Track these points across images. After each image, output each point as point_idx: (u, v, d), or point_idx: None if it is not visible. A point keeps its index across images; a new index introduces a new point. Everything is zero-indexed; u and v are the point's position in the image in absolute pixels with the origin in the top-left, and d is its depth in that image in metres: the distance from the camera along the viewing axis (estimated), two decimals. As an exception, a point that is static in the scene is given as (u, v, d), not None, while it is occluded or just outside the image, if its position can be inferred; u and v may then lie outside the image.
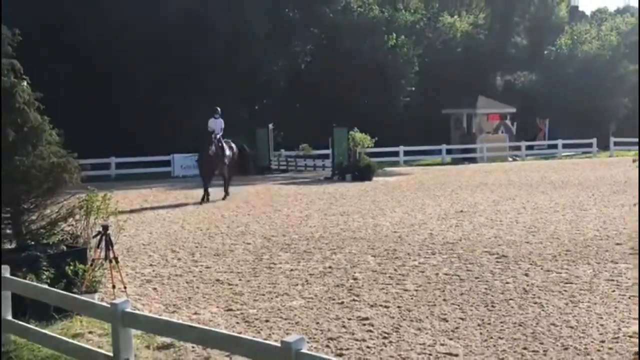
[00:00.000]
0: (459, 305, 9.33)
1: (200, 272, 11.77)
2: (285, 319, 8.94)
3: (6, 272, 7.79)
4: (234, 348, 5.84)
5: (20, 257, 9.13)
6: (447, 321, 8.66)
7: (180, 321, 7.59)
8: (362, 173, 28.53)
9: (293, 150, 35.01)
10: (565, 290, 9.94)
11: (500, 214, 17.68)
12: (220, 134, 22.63)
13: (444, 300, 9.64)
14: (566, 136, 43.12)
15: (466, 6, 51.30)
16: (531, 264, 11.68)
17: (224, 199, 22.19)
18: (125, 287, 10.07)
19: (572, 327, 8.30)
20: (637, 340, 7.65)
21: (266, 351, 5.17)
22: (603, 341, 7.81)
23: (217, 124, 22.65)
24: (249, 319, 9.00)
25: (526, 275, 10.94)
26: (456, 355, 7.50)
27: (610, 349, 7.57)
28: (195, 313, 9.33)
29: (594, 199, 20.33)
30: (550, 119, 45.56)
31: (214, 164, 21.95)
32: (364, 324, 8.60)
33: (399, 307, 9.33)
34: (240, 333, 8.12)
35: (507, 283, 10.46)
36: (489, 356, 7.46)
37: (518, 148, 42.03)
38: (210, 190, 21.87)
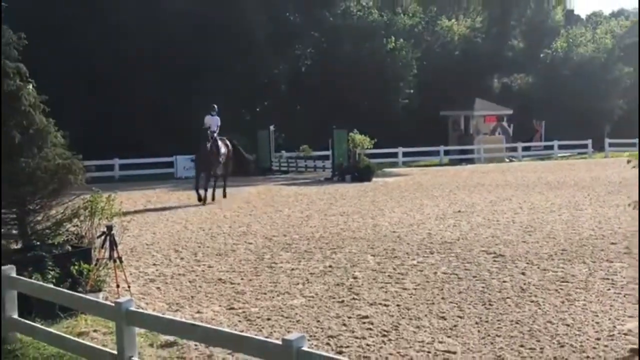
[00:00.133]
0: (457, 304, 9.42)
1: (203, 271, 11.86)
2: (287, 318, 9.02)
3: (12, 271, 7.88)
4: (236, 346, 5.90)
5: (26, 257, 9.19)
6: (445, 319, 8.74)
7: (183, 320, 7.73)
8: (362, 174, 28.63)
9: (294, 152, 35.09)
10: (561, 289, 10.02)
11: (498, 214, 17.79)
12: (217, 131, 22.25)
13: (442, 298, 9.72)
14: (562, 137, 43.27)
15: (464, 10, 51.40)
16: (528, 263, 11.78)
17: (224, 197, 22.25)
18: (129, 287, 10.18)
19: (568, 325, 8.37)
20: (632, 338, 7.72)
21: (268, 349, 5.21)
22: (598, 339, 7.88)
23: (213, 121, 22.23)
24: (251, 317, 9.08)
25: (523, 274, 11.03)
26: (454, 352, 7.57)
27: (606, 346, 7.65)
28: (198, 312, 9.40)
29: (590, 199, 20.46)
30: (546, 121, 45.68)
31: (211, 160, 21.53)
32: (364, 322, 8.68)
33: (398, 305, 9.41)
34: (242, 331, 8.23)
35: (504, 282, 10.54)
36: (486, 354, 7.52)
37: (515, 149, 42.11)
38: (203, 192, 21.11)
